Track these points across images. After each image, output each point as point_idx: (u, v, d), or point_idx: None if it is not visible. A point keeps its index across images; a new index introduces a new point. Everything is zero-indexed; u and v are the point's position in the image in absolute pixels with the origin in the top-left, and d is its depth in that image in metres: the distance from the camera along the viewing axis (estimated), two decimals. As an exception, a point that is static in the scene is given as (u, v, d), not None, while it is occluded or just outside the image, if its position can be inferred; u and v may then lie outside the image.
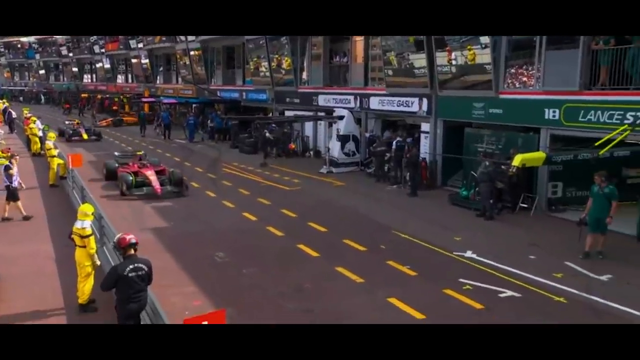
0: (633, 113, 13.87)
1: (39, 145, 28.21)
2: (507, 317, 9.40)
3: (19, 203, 15.67)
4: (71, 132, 35.08)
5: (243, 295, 10.33)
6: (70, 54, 70.28)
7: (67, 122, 38.76)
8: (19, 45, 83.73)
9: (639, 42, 14.46)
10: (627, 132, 13.30)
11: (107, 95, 60.62)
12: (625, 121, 13.92)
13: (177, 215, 16.52)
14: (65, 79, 75.56)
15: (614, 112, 14.52)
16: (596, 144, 13.44)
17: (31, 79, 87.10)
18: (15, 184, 15.68)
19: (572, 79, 15.69)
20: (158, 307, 7.39)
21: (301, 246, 13.26)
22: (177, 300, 9.80)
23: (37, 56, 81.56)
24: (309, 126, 29.05)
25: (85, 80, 69.48)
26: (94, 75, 67.61)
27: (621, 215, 13.58)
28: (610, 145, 13.24)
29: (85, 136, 34.66)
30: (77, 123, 37.09)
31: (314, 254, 12.78)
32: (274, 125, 29.26)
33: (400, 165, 20.82)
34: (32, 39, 78.07)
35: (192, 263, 12.13)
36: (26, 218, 15.55)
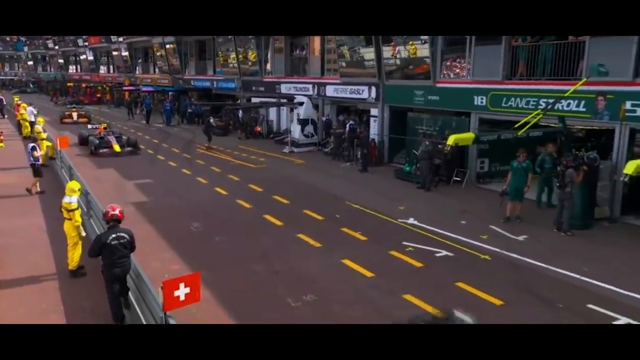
0: (545, 99, 14.25)
1: (29, 129, 27.31)
2: (443, 273, 9.65)
3: (38, 180, 15.77)
4: (97, 142, 23.29)
5: (216, 260, 10.33)
6: (56, 47, 67.65)
7: (89, 127, 28.01)
8: (7, 38, 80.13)
9: (548, 40, 14.85)
10: (540, 115, 13.61)
11: (91, 84, 59.02)
12: (539, 106, 14.27)
13: (156, 191, 16.26)
14: (52, 69, 72.70)
15: (529, 99, 14.95)
16: (516, 125, 13.72)
17: (20, 69, 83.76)
18: (38, 162, 15.97)
19: (496, 71, 16.04)
20: (140, 271, 7.37)
21: (267, 216, 13.28)
22: (157, 265, 9.73)
23: (26, 48, 78.35)
24: (273, 111, 28.85)
25: (70, 71, 66.81)
26: (78, 66, 65.14)
27: (534, 186, 14.09)
28: (527, 127, 13.55)
29: (117, 148, 22.81)
30: (104, 128, 25.16)
31: (278, 223, 12.82)
32: (241, 111, 29.29)
33: (353, 145, 20.93)
34: (20, 32, 75.27)
35: (170, 232, 12.03)
36: (40, 192, 15.52)
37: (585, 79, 12.92)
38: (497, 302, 8.45)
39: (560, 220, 11.98)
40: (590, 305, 8.28)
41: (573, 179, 11.75)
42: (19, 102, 33.96)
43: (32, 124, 26.69)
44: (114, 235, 7.37)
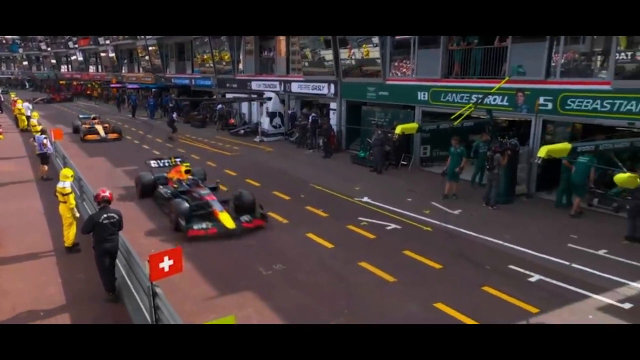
0: (476, 95, 14.51)
1: (25, 122, 26.55)
2: (392, 243, 9.80)
3: (46, 167, 15.48)
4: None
5: (196, 237, 10.21)
6: (49, 48, 64.80)
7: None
8: (3, 41, 76.16)
9: (478, 45, 15.20)
10: (472, 109, 13.97)
11: (82, 82, 56.81)
12: (471, 101, 14.52)
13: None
14: (45, 68, 69.54)
15: (463, 94, 15.26)
16: (452, 117, 14.07)
17: (16, 68, 79.88)
18: (49, 151, 15.84)
19: (435, 71, 16.28)
20: (129, 247, 7.37)
21: (241, 198, 13.31)
22: (144, 241, 9.69)
23: (20, 50, 74.55)
24: (244, 105, 28.55)
25: (62, 70, 64.09)
26: (69, 66, 62.53)
27: (470, 168, 14.52)
28: (462, 118, 13.90)
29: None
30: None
31: (251, 203, 12.87)
32: (219, 104, 28.84)
33: (315, 134, 21.00)
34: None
35: (155, 213, 11.89)
36: (48, 179, 15.03)
37: (507, 78, 13.31)
38: (437, 265, 8.70)
39: (489, 197, 12.36)
40: (511, 266, 8.63)
41: (499, 162, 12.18)
42: (16, 98, 33.18)
43: (28, 118, 25.92)
44: (105, 215, 7.37)
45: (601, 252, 9.25)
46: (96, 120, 26.03)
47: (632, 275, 8.25)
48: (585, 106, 12.27)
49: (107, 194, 7.68)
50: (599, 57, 12.74)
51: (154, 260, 5.69)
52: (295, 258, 9.17)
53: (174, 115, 26.04)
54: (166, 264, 5.82)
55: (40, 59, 71.14)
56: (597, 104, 12.03)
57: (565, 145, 10.97)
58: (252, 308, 7.32)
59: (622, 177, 10.33)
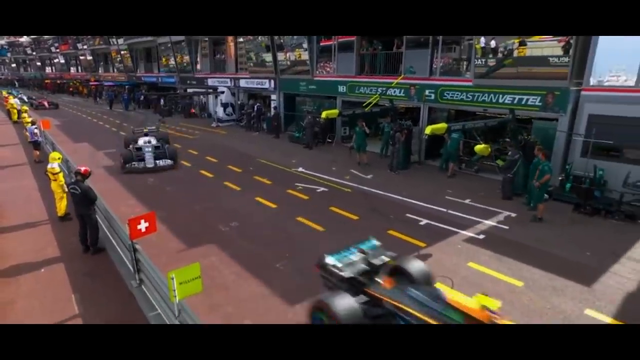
0: (381, 88, 14.68)
1: (16, 115, 23.89)
2: (321, 202, 9.74)
3: (38, 152, 14.32)
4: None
5: (167, 203, 9.78)
6: (34, 53, 57.58)
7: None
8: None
9: (382, 50, 15.24)
10: (378, 98, 14.11)
11: (65, 81, 50.71)
12: (377, 92, 14.65)
13: (119, 157, 14.74)
14: (31, 70, 61.82)
15: (372, 87, 15.25)
16: (364, 105, 14.15)
17: (6, 70, 70.47)
18: (40, 139, 14.70)
19: (351, 69, 16.14)
20: (111, 213, 7.06)
21: (202, 171, 12.69)
22: (124, 209, 8.99)
23: (9, 54, 65.73)
24: (209, 97, 27.16)
25: (47, 71, 57.21)
26: (53, 67, 55.90)
27: (377, 143, 14.75)
28: (371, 105, 14.01)
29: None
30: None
31: (210, 175, 12.32)
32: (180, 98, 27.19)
33: (260, 120, 20.38)
34: (3, 41, 63.00)
35: (132, 186, 11.13)
36: (40, 162, 13.66)
37: (402, 75, 13.52)
38: (355, 217, 8.77)
39: (392, 165, 12.59)
40: (407, 215, 8.88)
41: (399, 139, 12.43)
42: (7, 95, 30.46)
43: (19, 111, 23.42)
44: (72, 185, 7.12)
45: (467, 201, 9.74)
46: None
47: (485, 216, 8.80)
48: (456, 97, 12.72)
49: (81, 169, 7.30)
50: (465, 62, 13.18)
51: (132, 222, 5.54)
52: (247, 216, 8.92)
53: (135, 108, 24.14)
54: (143, 225, 5.63)
55: (27, 61, 63.37)
56: (463, 96, 12.50)
57: (443, 125, 11.38)
58: (214, 257, 7.06)
59: (479, 147, 10.93)
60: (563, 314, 5.42)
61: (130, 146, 13.62)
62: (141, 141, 13.51)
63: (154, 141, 13.55)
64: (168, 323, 4.90)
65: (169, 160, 12.99)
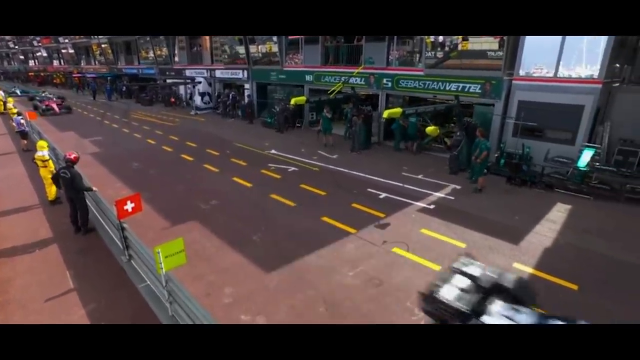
0: (344, 77, 14.55)
1: (2, 107, 21.94)
2: (292, 180, 9.66)
3: (26, 141, 13.52)
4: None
5: (151, 185, 9.45)
6: (16, 47, 52.42)
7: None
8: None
9: (344, 43, 15.04)
10: (341, 86, 14.06)
11: (48, 73, 46.70)
12: (340, 80, 14.54)
13: (105, 144, 14.01)
14: (15, 63, 56.37)
15: (336, 76, 15.09)
16: (329, 92, 14.05)
17: None
18: (27, 128, 13.94)
19: (317, 60, 15.85)
20: (99, 196, 6.83)
21: (183, 155, 12.28)
22: (111, 192, 8.64)
23: None
24: (182, 88, 25.85)
25: (30, 64, 52.24)
26: (36, 60, 51.02)
27: (342, 126, 14.76)
28: (334, 93, 13.94)
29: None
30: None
31: (190, 159, 11.95)
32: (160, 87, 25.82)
33: (235, 107, 19.78)
34: (-15, 35, 56.64)
35: (118, 170, 10.65)
36: (28, 150, 12.85)
37: (362, 66, 13.47)
38: (323, 193, 8.82)
39: (354, 146, 12.67)
40: (369, 189, 9.03)
41: (356, 122, 12.48)
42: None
43: (4, 103, 21.56)
44: (62, 171, 6.76)
45: (420, 177, 10.02)
46: None
47: (436, 189, 9.14)
48: (410, 85, 12.87)
49: (71, 156, 6.91)
50: (417, 54, 13.30)
51: (119, 203, 5.41)
52: (225, 195, 8.79)
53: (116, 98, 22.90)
54: (129, 206, 5.50)
55: (10, 55, 57.61)
56: (416, 84, 12.66)
57: (399, 110, 11.57)
58: (196, 232, 6.96)
59: (430, 129, 11.24)
60: (497, 268, 5.82)
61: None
62: None
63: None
64: (164, 322, 4.56)
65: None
